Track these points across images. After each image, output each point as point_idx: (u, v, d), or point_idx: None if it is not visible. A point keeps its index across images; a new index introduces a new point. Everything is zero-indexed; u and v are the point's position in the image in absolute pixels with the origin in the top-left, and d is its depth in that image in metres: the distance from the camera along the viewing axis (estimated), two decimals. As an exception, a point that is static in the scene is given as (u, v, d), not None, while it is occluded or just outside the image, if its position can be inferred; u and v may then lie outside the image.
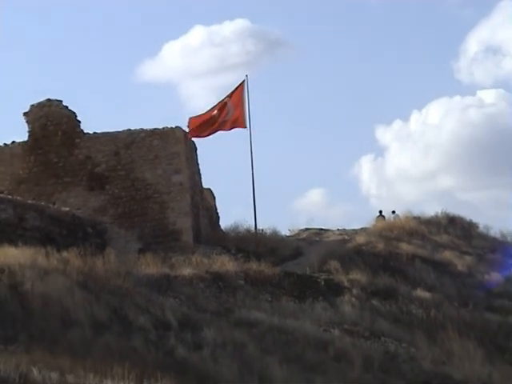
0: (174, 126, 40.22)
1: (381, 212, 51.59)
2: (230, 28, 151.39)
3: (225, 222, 44.65)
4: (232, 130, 41.83)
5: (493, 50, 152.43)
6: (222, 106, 40.94)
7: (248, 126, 41.14)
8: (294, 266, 36.09)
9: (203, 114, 41.01)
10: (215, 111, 40.81)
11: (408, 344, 29.61)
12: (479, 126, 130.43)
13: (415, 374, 27.12)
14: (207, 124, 40.54)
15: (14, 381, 18.34)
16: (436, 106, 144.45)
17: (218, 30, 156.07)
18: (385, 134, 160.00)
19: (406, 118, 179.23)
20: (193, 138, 41.65)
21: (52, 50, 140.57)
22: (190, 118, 40.89)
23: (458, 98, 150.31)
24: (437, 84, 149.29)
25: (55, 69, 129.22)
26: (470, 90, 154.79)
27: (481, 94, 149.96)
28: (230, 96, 41.36)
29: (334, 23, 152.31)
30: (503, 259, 42.42)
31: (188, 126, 40.66)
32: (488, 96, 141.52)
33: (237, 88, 41.73)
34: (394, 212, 51.14)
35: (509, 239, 47.39)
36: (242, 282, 31.46)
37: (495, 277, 39.49)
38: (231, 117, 40.73)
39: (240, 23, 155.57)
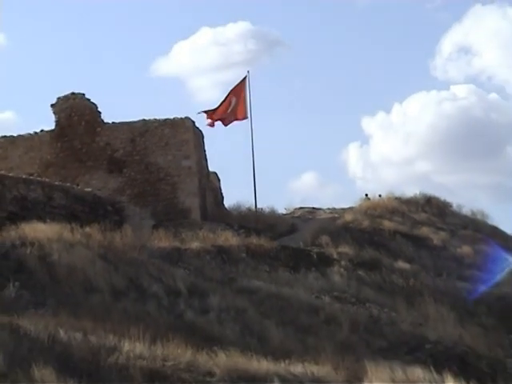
0: (183, 117, 40.30)
1: (366, 195, 51.87)
2: (234, 29, 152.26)
3: (228, 202, 44.77)
4: (236, 122, 41.90)
5: (464, 50, 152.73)
6: (229, 101, 41.05)
7: (249, 116, 41.25)
8: (290, 241, 36.15)
9: (217, 108, 41.11)
10: (227, 105, 40.89)
11: (389, 309, 29.75)
12: (453, 117, 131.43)
13: (395, 335, 27.28)
14: (221, 115, 40.67)
15: (43, 340, 18.50)
16: (415, 100, 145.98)
17: (222, 31, 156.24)
18: (370, 124, 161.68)
19: (388, 110, 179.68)
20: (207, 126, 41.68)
21: (77, 48, 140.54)
22: (207, 113, 40.92)
23: (434, 92, 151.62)
24: (416, 80, 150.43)
25: (79, 65, 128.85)
26: (444, 85, 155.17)
27: (454, 88, 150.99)
28: (233, 91, 41.48)
29: (325, 24, 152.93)
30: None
31: (207, 117, 40.74)
32: (460, 91, 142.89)
33: (240, 83, 41.84)
34: (366, 195, 51.38)
35: (478, 217, 47.44)
36: (243, 254, 31.51)
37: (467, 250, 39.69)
38: (234, 109, 40.84)
39: (242, 25, 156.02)
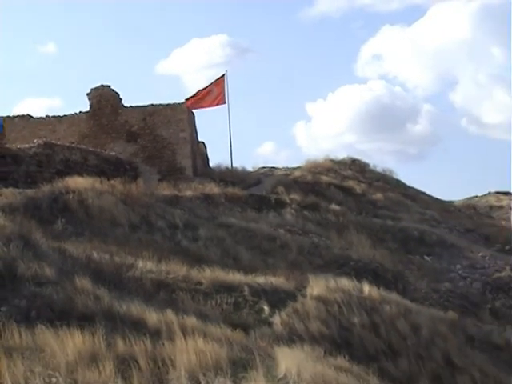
0: (180, 102, 40.23)
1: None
2: (216, 40, 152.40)
3: (212, 163, 44.71)
4: (217, 106, 41.88)
5: (377, 57, 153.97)
6: (209, 90, 41.07)
7: (227, 102, 41.28)
8: (256, 190, 36.16)
9: (196, 93, 41.10)
10: (206, 92, 40.89)
11: (325, 238, 29.87)
12: (369, 103, 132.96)
13: (329, 256, 27.47)
14: (200, 101, 40.64)
15: (82, 259, 18.59)
16: (343, 90, 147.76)
17: (208, 40, 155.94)
18: (312, 108, 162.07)
19: (325, 98, 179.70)
20: (193, 110, 41.61)
21: (104, 53, 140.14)
22: (188, 99, 40.90)
23: (356, 85, 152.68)
24: (344, 77, 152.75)
25: (106, 65, 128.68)
26: (363, 81, 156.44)
27: (370, 83, 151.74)
28: (214, 83, 41.44)
29: (281, 35, 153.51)
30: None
31: (187, 101, 40.69)
32: (374, 85, 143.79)
33: (219, 78, 41.79)
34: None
35: (387, 173, 47.57)
36: (222, 199, 31.53)
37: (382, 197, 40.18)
38: (215, 97, 40.88)
39: (222, 37, 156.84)
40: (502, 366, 21.84)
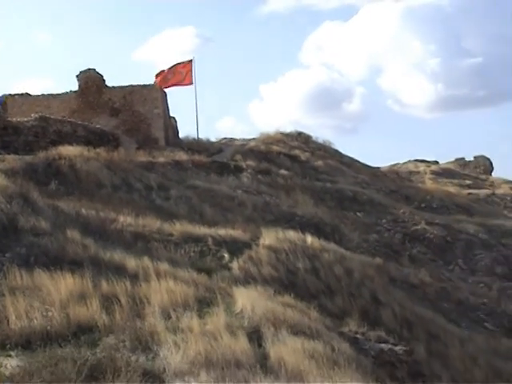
0: (154, 84, 39.86)
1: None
2: (185, 31, 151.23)
3: (182, 134, 44.41)
4: (185, 86, 41.50)
5: (319, 47, 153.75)
6: (179, 72, 40.65)
7: (194, 83, 40.99)
8: (218, 158, 36.01)
9: (164, 70, 40.61)
10: (173, 71, 40.40)
11: (276, 197, 29.85)
12: (312, 85, 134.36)
13: (279, 213, 27.51)
14: (168, 79, 40.21)
15: (72, 215, 18.48)
16: (291, 74, 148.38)
17: (179, 31, 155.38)
18: (264, 89, 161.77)
19: (275, 80, 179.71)
20: (163, 88, 41.12)
21: (93, 39, 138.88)
22: (157, 75, 40.45)
23: (301, 70, 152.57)
24: (292, 64, 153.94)
25: (91, 52, 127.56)
26: (307, 67, 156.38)
27: (313, 69, 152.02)
28: (182, 64, 40.94)
29: (238, 28, 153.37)
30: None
31: (156, 77, 40.26)
32: (317, 70, 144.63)
33: (188, 61, 41.34)
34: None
35: (327, 144, 47.43)
36: (190, 165, 31.36)
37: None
38: (184, 77, 40.51)
39: (190, 28, 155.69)
40: (417, 301, 22.27)
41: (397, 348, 14.91)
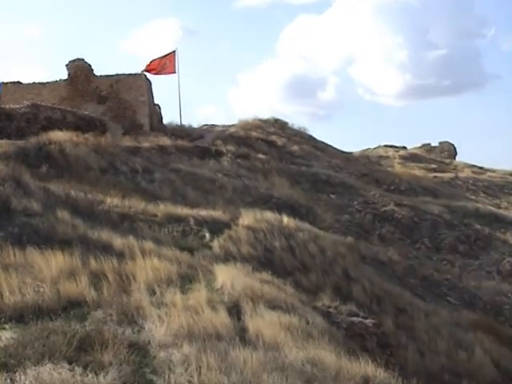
0: (139, 72, 39.51)
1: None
2: (169, 22, 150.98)
3: (165, 120, 44.13)
4: (169, 75, 41.30)
5: (295, 39, 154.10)
6: (164, 61, 40.39)
7: (177, 72, 40.77)
8: (200, 143, 35.89)
9: (152, 61, 40.28)
10: (158, 62, 40.10)
11: (254, 180, 29.86)
12: (289, 74, 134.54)
13: (257, 195, 27.49)
14: (154, 68, 39.91)
15: (62, 196, 18.38)
16: (268, 64, 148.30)
17: (164, 22, 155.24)
18: (243, 78, 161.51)
19: (253, 70, 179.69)
20: (148, 76, 40.82)
21: (83, 30, 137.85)
22: (147, 64, 40.17)
23: (279, 60, 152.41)
24: (269, 54, 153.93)
25: (81, 43, 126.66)
26: (284, 57, 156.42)
27: (289, 59, 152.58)
28: (167, 56, 40.68)
29: (217, 20, 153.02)
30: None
31: (146, 68, 39.97)
32: (293, 60, 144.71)
33: (171, 52, 41.10)
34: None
35: (302, 130, 47.43)
36: (173, 150, 31.27)
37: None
38: (168, 67, 40.28)
39: (174, 20, 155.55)
40: (385, 277, 22.47)
41: (367, 321, 15.04)
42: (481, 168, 53.90)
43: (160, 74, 41.03)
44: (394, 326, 17.35)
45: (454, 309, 22.81)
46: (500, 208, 39.87)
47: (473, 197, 42.31)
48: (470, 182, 47.13)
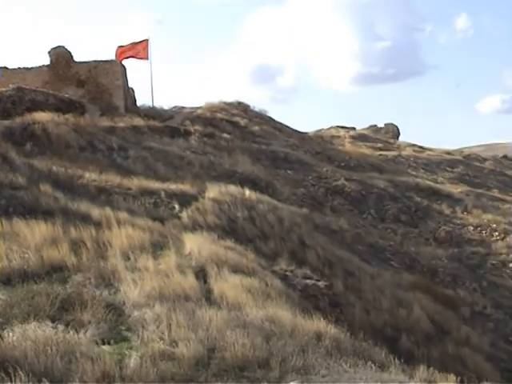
0: (115, 60, 39.00)
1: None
2: (145, 15, 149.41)
3: (139, 103, 43.65)
4: (142, 60, 40.72)
5: (256, 29, 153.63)
6: (136, 48, 39.88)
7: (149, 58, 40.30)
8: (170, 123, 35.59)
9: (123, 47, 39.74)
10: (130, 48, 39.52)
11: (219, 157, 29.76)
12: (251, 62, 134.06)
13: (222, 170, 27.35)
14: (127, 52, 39.33)
15: (45, 171, 18.18)
16: (232, 52, 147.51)
17: (144, 15, 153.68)
18: (210, 64, 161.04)
19: (219, 57, 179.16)
20: (122, 60, 40.20)
21: (67, 19, 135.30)
22: (117, 49, 39.59)
23: (241, 49, 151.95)
24: (232, 43, 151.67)
25: (63, 28, 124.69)
26: (247, 45, 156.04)
27: (252, 48, 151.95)
28: (139, 43, 40.12)
29: (188, 13, 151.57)
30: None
31: (116, 54, 39.42)
32: (255, 49, 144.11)
33: (143, 40, 40.54)
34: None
35: (263, 112, 47.33)
36: (146, 129, 31.01)
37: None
38: (141, 53, 39.76)
39: (149, 14, 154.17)
40: (336, 244, 22.76)
41: (319, 283, 15.23)
42: (421, 147, 54.68)
43: (133, 57, 40.37)
44: (343, 288, 17.65)
45: (396, 271, 23.25)
46: (437, 183, 40.48)
47: (413, 173, 42.86)
48: (411, 159, 47.74)
